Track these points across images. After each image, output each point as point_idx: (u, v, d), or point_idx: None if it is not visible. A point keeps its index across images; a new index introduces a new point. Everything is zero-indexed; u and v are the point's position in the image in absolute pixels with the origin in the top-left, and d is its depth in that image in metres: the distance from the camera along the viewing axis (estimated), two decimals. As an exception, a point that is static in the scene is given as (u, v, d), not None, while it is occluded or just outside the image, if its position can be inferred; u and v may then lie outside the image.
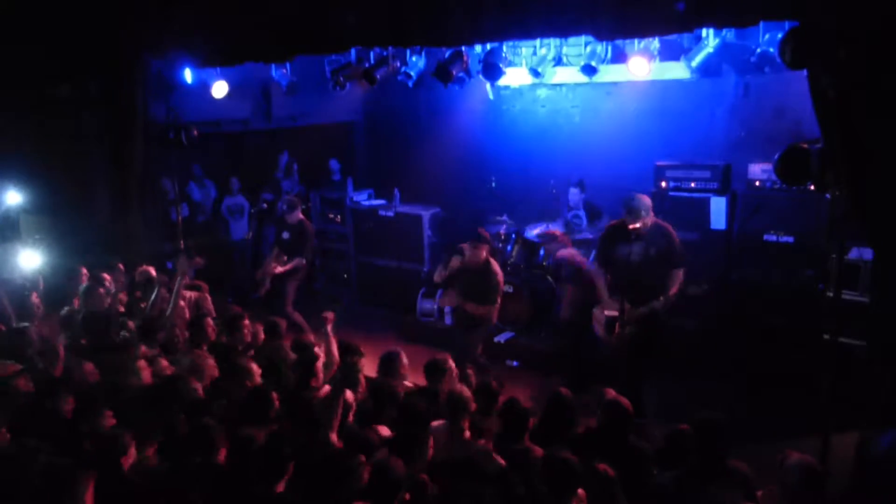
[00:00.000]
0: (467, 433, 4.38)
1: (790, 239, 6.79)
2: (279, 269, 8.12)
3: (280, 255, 8.24)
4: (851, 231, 4.97)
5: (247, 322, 5.81)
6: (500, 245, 8.49)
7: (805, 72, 4.21)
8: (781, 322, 6.71)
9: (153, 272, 6.83)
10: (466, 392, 4.53)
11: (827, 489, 3.50)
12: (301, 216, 8.31)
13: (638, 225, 5.82)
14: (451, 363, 5.11)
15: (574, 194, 8.29)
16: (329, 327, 5.54)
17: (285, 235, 8.27)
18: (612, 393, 4.39)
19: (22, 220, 7.40)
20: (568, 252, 7.09)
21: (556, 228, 8.19)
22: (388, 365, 5.12)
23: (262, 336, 5.85)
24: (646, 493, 3.75)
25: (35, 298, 6.17)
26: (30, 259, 6.81)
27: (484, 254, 6.53)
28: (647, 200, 5.89)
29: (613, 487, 3.50)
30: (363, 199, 10.15)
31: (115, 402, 4.39)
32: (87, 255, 7.22)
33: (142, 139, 7.77)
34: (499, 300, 6.64)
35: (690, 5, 4.52)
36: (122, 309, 6.29)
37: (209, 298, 6.73)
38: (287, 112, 9.93)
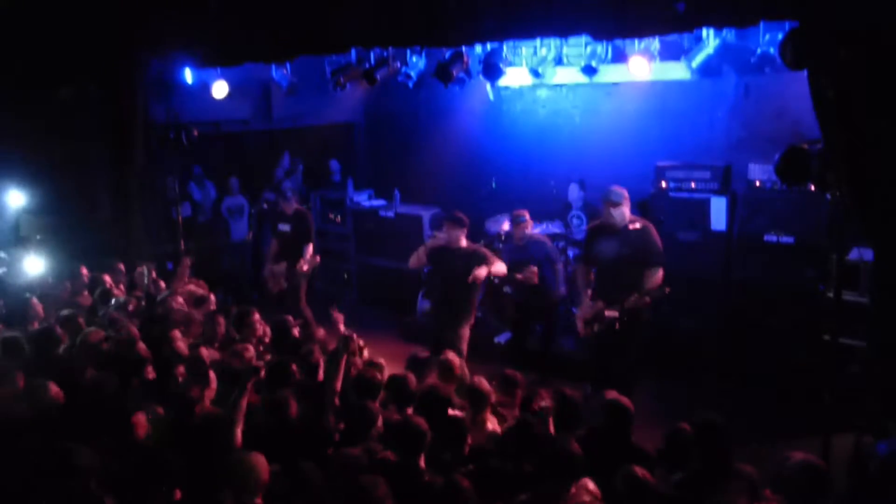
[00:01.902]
0: (489, 424, 4.44)
1: (790, 239, 6.78)
2: (307, 267, 8.00)
3: (279, 250, 8.15)
4: (851, 231, 4.97)
5: (257, 317, 5.81)
6: (501, 245, 8.48)
7: (805, 72, 4.21)
8: (781, 322, 6.71)
9: (153, 273, 6.84)
10: (485, 384, 4.58)
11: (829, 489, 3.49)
12: (297, 205, 8.28)
13: (615, 220, 5.87)
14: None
15: (574, 190, 8.29)
16: (342, 327, 5.53)
17: (284, 227, 8.18)
18: (612, 393, 4.38)
19: (23, 220, 7.42)
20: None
21: (556, 229, 8.20)
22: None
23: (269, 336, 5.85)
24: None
25: (35, 301, 6.17)
26: (35, 265, 6.84)
27: (463, 238, 6.26)
28: (622, 191, 5.92)
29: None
30: (363, 199, 10.15)
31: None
32: (87, 255, 7.23)
33: (142, 139, 7.78)
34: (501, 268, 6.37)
35: (690, 5, 4.52)
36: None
37: (212, 298, 6.70)
38: (287, 113, 9.94)
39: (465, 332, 6.38)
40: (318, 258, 8.14)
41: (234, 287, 9.80)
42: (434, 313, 6.75)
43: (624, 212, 5.89)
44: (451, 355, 5.19)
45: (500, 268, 6.35)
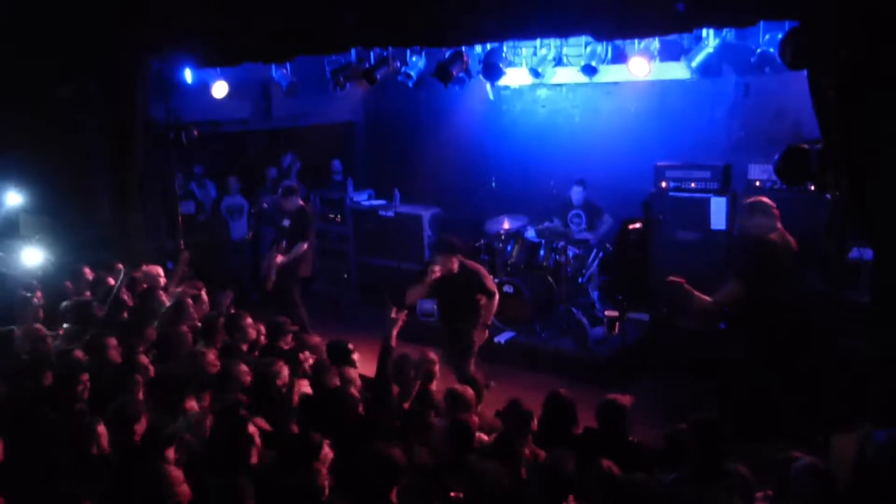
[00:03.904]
0: (480, 436, 4.30)
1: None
2: (281, 258, 7.91)
3: (280, 245, 8.10)
4: (851, 231, 4.97)
5: (249, 321, 5.73)
6: (500, 245, 8.49)
7: (805, 72, 4.21)
8: (781, 322, 6.70)
9: (157, 276, 6.82)
10: (469, 392, 4.50)
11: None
12: (300, 202, 8.22)
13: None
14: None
15: (577, 192, 8.29)
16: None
17: (285, 223, 8.14)
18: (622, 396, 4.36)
19: (22, 220, 7.40)
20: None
21: (555, 229, 8.20)
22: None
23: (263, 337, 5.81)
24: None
25: (35, 301, 6.15)
26: (33, 256, 6.80)
27: (456, 262, 6.12)
28: (755, 203, 5.69)
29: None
30: (363, 199, 10.15)
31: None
32: (86, 255, 7.22)
33: (142, 139, 7.77)
34: (495, 297, 6.29)
35: (690, 5, 4.52)
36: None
37: (206, 300, 6.66)
38: (287, 112, 9.94)
39: (477, 338, 6.38)
40: (295, 254, 7.96)
41: (234, 287, 9.79)
42: (445, 327, 6.64)
43: (758, 222, 5.65)
44: (431, 355, 5.13)
45: (494, 301, 6.30)
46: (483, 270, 6.33)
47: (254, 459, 3.74)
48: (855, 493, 3.57)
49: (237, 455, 3.70)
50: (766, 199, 5.76)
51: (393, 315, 4.79)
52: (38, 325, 5.65)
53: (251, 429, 3.82)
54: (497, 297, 6.31)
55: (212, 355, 4.98)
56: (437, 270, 6.08)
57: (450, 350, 6.32)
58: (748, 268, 5.60)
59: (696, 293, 5.66)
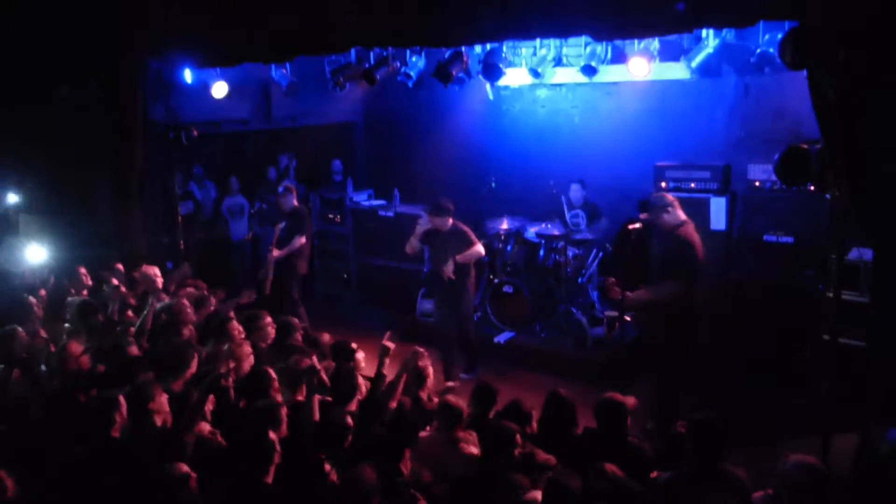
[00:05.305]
0: (471, 448, 4.23)
1: (790, 239, 6.79)
2: (278, 253, 8.01)
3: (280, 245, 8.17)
4: (851, 231, 4.97)
5: (269, 320, 5.67)
6: (500, 245, 8.49)
7: (805, 72, 4.21)
8: (781, 322, 6.71)
9: (154, 277, 6.80)
10: (460, 403, 4.40)
11: (828, 489, 3.49)
12: (295, 203, 8.28)
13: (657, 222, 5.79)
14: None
15: (576, 191, 8.29)
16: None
17: (282, 224, 8.20)
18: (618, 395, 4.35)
19: (21, 220, 7.41)
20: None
21: (555, 229, 8.19)
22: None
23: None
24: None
25: (34, 300, 6.14)
26: (36, 254, 6.80)
27: (450, 221, 6.94)
28: (660, 199, 5.82)
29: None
30: (363, 199, 10.15)
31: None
32: (86, 255, 7.22)
33: (142, 139, 7.78)
34: (477, 249, 6.97)
35: (690, 5, 4.52)
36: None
37: (213, 300, 6.65)
38: (287, 112, 9.94)
39: (470, 288, 7.14)
40: (291, 248, 8.06)
41: (235, 287, 9.78)
42: (441, 289, 7.12)
43: (665, 217, 5.77)
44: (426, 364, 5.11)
45: (476, 251, 6.99)
46: (469, 230, 7.07)
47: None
48: (857, 492, 3.57)
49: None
50: (666, 195, 5.91)
51: (385, 342, 4.82)
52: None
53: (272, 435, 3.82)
54: (479, 248, 7.04)
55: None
56: (424, 224, 7.00)
57: (444, 313, 7.05)
58: (689, 268, 5.63)
59: (628, 294, 5.84)
